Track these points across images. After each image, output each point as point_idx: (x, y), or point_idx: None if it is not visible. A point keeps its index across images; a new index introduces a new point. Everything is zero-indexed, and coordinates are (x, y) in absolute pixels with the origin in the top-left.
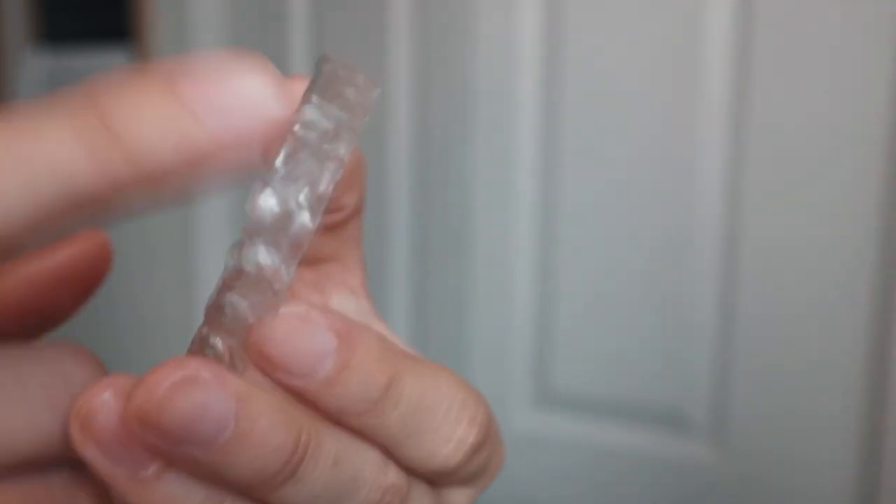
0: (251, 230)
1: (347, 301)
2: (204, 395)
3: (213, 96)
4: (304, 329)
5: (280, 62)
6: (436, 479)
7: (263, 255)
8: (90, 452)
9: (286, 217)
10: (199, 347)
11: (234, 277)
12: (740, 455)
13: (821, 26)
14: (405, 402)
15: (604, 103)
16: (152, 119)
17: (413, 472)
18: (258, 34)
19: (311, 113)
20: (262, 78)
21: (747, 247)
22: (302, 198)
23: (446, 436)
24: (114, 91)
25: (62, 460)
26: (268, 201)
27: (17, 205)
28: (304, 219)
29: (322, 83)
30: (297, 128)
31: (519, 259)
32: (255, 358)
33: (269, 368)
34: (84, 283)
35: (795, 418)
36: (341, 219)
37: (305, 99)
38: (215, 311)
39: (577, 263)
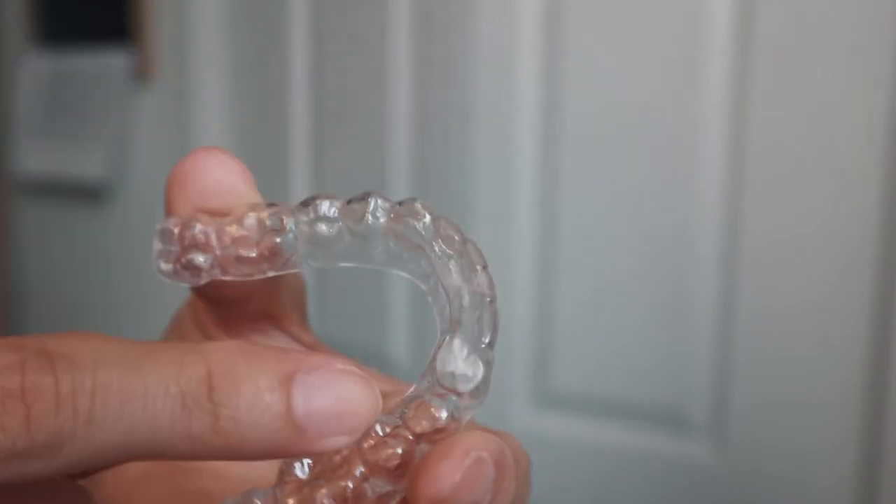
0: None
1: (286, 338)
2: None
3: (323, 414)
4: (481, 472)
5: (280, 62)
6: None
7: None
8: None
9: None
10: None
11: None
12: (740, 454)
13: (821, 26)
14: (518, 495)
15: (604, 102)
16: (258, 412)
17: None
18: (258, 34)
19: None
20: (367, 394)
21: (747, 246)
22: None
23: (522, 500)
24: (227, 360)
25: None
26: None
27: (102, 444)
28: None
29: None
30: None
31: (519, 259)
32: (423, 497)
33: None
34: None
35: (795, 418)
36: (263, 304)
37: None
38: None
39: (576, 263)
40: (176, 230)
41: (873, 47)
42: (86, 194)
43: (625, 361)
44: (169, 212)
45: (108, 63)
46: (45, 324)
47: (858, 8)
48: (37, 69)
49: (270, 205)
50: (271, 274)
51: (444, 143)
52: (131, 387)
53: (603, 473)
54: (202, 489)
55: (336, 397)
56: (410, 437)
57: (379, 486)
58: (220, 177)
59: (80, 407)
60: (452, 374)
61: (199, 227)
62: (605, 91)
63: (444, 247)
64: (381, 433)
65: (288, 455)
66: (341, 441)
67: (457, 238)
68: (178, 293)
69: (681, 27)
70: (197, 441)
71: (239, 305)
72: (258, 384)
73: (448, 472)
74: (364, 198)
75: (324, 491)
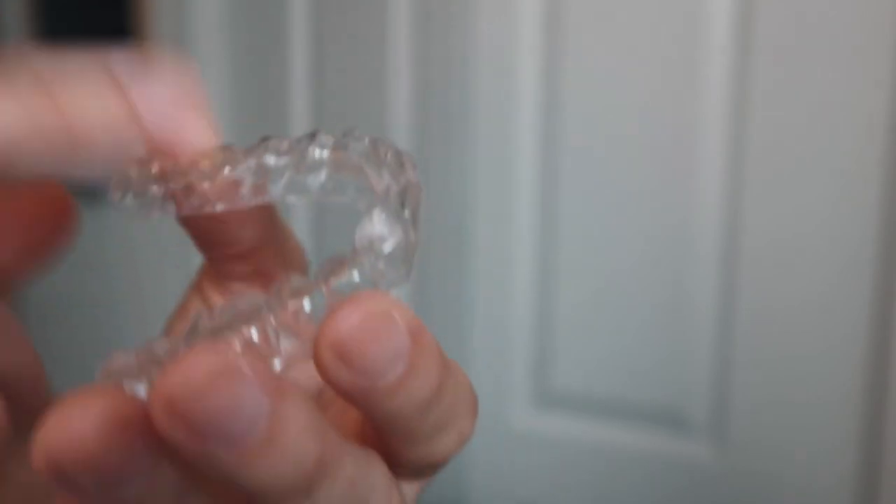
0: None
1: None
2: (241, 388)
3: (152, 95)
4: (386, 326)
5: (280, 62)
6: (423, 475)
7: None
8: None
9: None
10: (246, 318)
11: (336, 266)
12: (740, 454)
13: (820, 26)
14: (445, 401)
15: (604, 103)
16: (95, 103)
17: (408, 467)
18: (258, 34)
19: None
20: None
21: (747, 246)
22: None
23: (458, 429)
24: (56, 66)
25: None
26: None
27: None
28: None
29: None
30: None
31: (519, 259)
32: (324, 351)
33: (337, 364)
34: (34, 239)
35: (795, 418)
36: (250, 249)
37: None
38: (287, 292)
39: (576, 263)
40: (133, 166)
41: (873, 47)
42: (85, 194)
43: (625, 361)
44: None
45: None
46: (44, 324)
47: (858, 8)
48: None
49: (228, 147)
50: (220, 208)
51: (444, 143)
52: None
53: (603, 473)
54: None
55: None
56: (328, 296)
57: (282, 339)
58: (188, 128)
59: None
60: (369, 239)
61: (155, 165)
62: (605, 91)
63: (379, 159)
64: (290, 289)
65: (132, 143)
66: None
67: (391, 150)
68: (179, 295)
69: (681, 27)
70: (43, 128)
71: (231, 262)
72: (89, 77)
73: (348, 313)
74: (312, 136)
75: (233, 338)
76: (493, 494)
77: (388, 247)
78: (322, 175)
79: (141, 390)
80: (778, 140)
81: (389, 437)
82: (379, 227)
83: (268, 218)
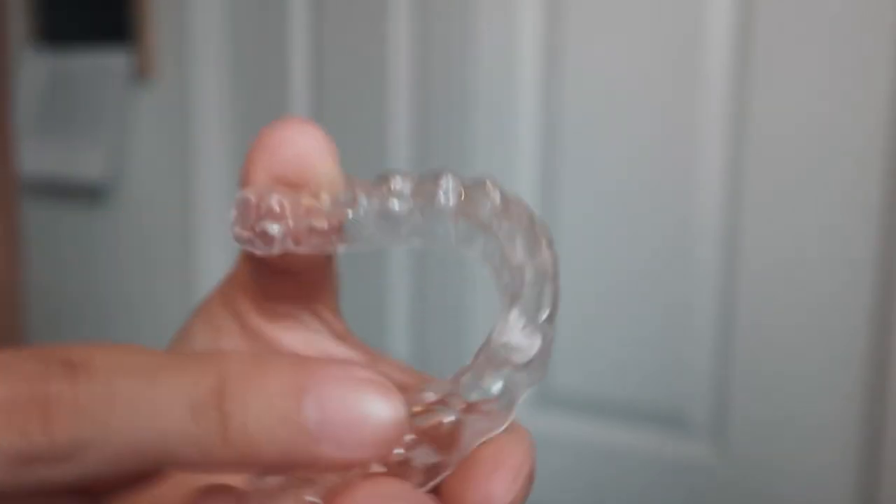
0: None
1: (317, 323)
2: None
3: (337, 423)
4: (527, 486)
5: (280, 62)
6: None
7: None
8: None
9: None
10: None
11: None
12: (740, 455)
13: (820, 27)
14: None
15: (604, 104)
16: (269, 421)
17: None
18: (258, 34)
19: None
20: (387, 406)
21: (747, 249)
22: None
23: None
24: (239, 371)
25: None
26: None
27: (118, 451)
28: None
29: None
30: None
31: None
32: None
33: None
34: None
35: (795, 418)
36: (311, 275)
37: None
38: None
39: (576, 264)
40: (253, 199)
41: (874, 49)
42: (86, 194)
43: (625, 362)
44: (246, 181)
45: (108, 63)
46: (44, 323)
47: (858, 11)
48: (37, 69)
49: (348, 179)
50: (341, 248)
51: (444, 142)
52: (145, 396)
53: (603, 474)
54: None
55: (352, 406)
56: (461, 407)
57: (426, 455)
58: (301, 148)
59: (97, 415)
60: (507, 345)
61: (275, 198)
62: (606, 94)
63: (511, 224)
64: (431, 399)
65: (308, 467)
66: (363, 453)
67: (525, 215)
68: (179, 295)
69: (681, 33)
70: (206, 451)
71: (283, 284)
72: (270, 392)
73: (505, 489)
74: (437, 177)
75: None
76: None
77: (527, 357)
78: (448, 224)
79: None
80: (778, 145)
81: None
82: (517, 336)
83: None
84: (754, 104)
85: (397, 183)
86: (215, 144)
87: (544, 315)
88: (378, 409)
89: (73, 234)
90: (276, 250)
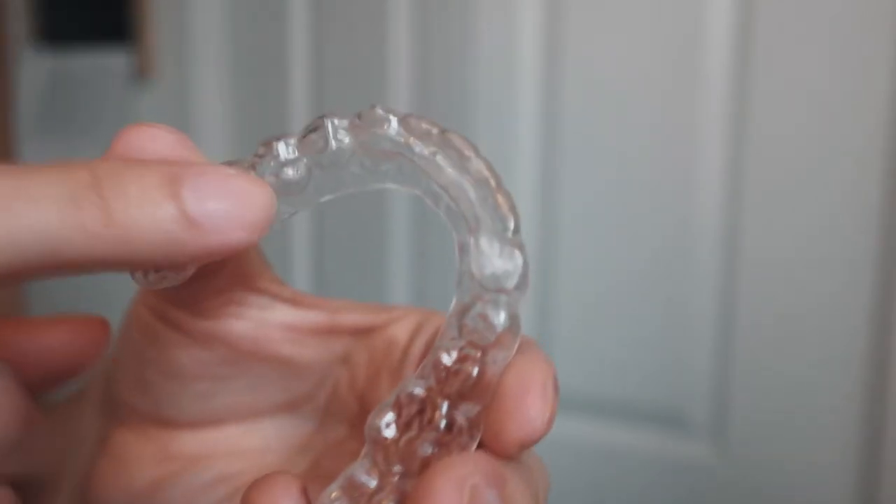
0: (489, 288)
1: (262, 298)
2: (484, 497)
3: (214, 207)
4: (556, 403)
5: (280, 62)
6: None
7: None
8: None
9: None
10: (419, 414)
11: (480, 334)
12: (740, 455)
13: (820, 27)
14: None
15: (604, 104)
16: (148, 207)
17: None
18: (258, 34)
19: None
20: (257, 188)
21: (747, 247)
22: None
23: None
24: (115, 168)
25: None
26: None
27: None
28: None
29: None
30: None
31: None
32: (515, 439)
33: (521, 448)
34: (70, 368)
35: (795, 418)
36: (232, 273)
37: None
38: (447, 373)
39: (576, 264)
40: None
41: (874, 48)
42: None
43: (625, 362)
44: None
45: (108, 63)
46: None
47: (858, 11)
48: (37, 69)
49: (226, 164)
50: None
51: None
52: (22, 187)
53: (602, 474)
54: (219, 475)
55: (226, 191)
56: (479, 354)
57: (467, 411)
58: (155, 151)
59: None
60: (494, 275)
61: None
62: (606, 94)
63: (423, 141)
64: (449, 363)
65: (186, 255)
66: (240, 237)
67: (434, 130)
68: None
69: (681, 32)
70: (90, 236)
71: (211, 282)
72: (145, 182)
73: (539, 410)
74: (318, 125)
75: (423, 437)
76: None
77: (516, 278)
78: (353, 166)
79: None
80: (778, 145)
81: None
82: (499, 262)
83: None
84: (754, 104)
85: (282, 149)
86: (215, 144)
87: (511, 227)
88: (250, 191)
89: None
90: (189, 271)
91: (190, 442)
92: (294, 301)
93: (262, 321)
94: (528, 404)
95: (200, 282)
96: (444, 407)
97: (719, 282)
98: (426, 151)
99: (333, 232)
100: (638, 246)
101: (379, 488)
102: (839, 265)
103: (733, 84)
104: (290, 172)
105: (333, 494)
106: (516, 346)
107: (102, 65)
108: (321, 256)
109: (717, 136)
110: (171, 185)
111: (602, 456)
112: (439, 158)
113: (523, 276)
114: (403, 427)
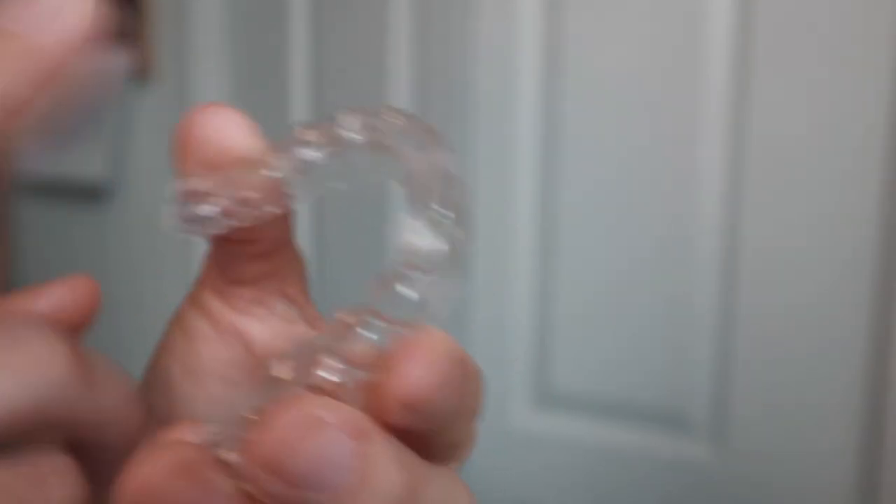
0: (411, 263)
1: (288, 309)
2: (328, 439)
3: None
4: (452, 372)
5: (280, 62)
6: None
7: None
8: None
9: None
10: (307, 368)
11: (379, 305)
12: (740, 455)
13: (821, 27)
14: (469, 403)
15: (604, 104)
16: None
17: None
18: (258, 34)
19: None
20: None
21: (747, 246)
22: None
23: (475, 409)
24: None
25: (26, 437)
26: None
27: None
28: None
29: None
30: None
31: (519, 259)
32: (396, 407)
33: (408, 416)
34: (68, 330)
35: (796, 418)
36: (272, 247)
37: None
38: (344, 337)
39: (576, 263)
40: (181, 187)
41: (874, 48)
42: (86, 194)
43: (625, 361)
44: (179, 173)
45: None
46: None
47: (858, 11)
48: None
49: (268, 146)
50: (272, 210)
51: None
52: None
53: (603, 473)
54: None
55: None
56: (384, 325)
57: (354, 375)
58: (217, 128)
59: None
60: (414, 253)
61: (200, 181)
62: (606, 94)
63: (408, 135)
64: (349, 321)
65: (47, 73)
66: (63, 26)
67: (419, 126)
68: (180, 294)
69: (681, 32)
70: None
71: (249, 262)
72: None
73: (423, 372)
74: (335, 119)
75: (301, 384)
76: (493, 494)
77: (436, 260)
78: (364, 159)
79: (233, 456)
80: (778, 143)
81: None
82: (421, 242)
83: (290, 215)
84: (754, 103)
85: (306, 134)
86: None
87: (447, 214)
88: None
89: (73, 234)
90: (215, 230)
91: None
92: (314, 322)
93: (280, 332)
94: (411, 365)
95: (239, 271)
96: (330, 364)
97: (719, 282)
98: (406, 141)
99: (333, 234)
100: (638, 246)
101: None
102: (838, 266)
103: (733, 83)
104: (310, 154)
105: (215, 429)
106: (425, 327)
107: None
108: (321, 258)
109: (717, 135)
110: None
111: (602, 455)
112: (411, 145)
113: (447, 263)
114: (297, 370)
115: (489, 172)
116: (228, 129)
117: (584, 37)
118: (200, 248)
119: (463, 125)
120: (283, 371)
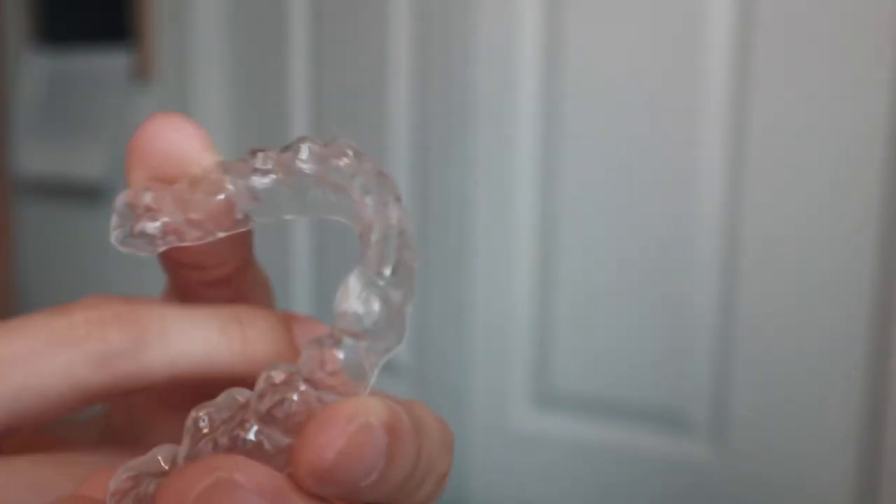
0: (347, 329)
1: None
2: (243, 500)
3: None
4: (367, 440)
5: (280, 62)
6: None
7: (361, 356)
8: None
9: (388, 321)
10: (232, 434)
11: (313, 369)
12: (740, 455)
13: (821, 26)
14: (422, 463)
15: (604, 103)
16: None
17: None
18: (258, 34)
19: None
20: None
21: (747, 246)
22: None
23: (437, 474)
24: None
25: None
26: (373, 304)
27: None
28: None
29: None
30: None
31: (519, 259)
32: (307, 477)
33: (321, 485)
34: None
35: (795, 418)
36: (232, 272)
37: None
38: (272, 404)
39: (576, 263)
40: (128, 200)
41: (874, 47)
42: (85, 194)
43: (625, 361)
44: (129, 184)
45: (108, 63)
46: None
47: (858, 10)
48: (37, 69)
49: (222, 165)
50: (221, 234)
51: (443, 143)
52: (184, 316)
53: (603, 473)
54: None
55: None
56: (303, 386)
57: (276, 439)
58: (174, 142)
59: None
60: (345, 314)
61: (148, 196)
62: (606, 93)
63: (363, 181)
64: (276, 381)
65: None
66: None
67: (374, 171)
68: None
69: (681, 32)
70: (234, 352)
71: (210, 288)
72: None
73: (330, 438)
74: (294, 145)
75: (222, 441)
76: (493, 494)
77: (367, 322)
78: (315, 191)
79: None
80: (778, 141)
81: None
82: (354, 303)
83: (249, 238)
84: (754, 102)
85: (259, 161)
86: (215, 144)
87: (385, 274)
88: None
89: (73, 234)
90: (159, 249)
91: None
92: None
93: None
94: (319, 433)
95: (209, 290)
96: (252, 425)
97: (719, 282)
98: (362, 189)
99: (334, 238)
100: (638, 246)
101: (163, 473)
102: (838, 265)
103: (733, 80)
104: (259, 182)
105: (125, 476)
106: (354, 393)
107: (102, 65)
108: (320, 263)
109: (717, 135)
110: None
111: (602, 455)
112: (368, 199)
113: (381, 326)
114: (217, 425)
115: (489, 172)
116: (183, 142)
117: (584, 36)
118: None
119: (463, 125)
120: (204, 422)
